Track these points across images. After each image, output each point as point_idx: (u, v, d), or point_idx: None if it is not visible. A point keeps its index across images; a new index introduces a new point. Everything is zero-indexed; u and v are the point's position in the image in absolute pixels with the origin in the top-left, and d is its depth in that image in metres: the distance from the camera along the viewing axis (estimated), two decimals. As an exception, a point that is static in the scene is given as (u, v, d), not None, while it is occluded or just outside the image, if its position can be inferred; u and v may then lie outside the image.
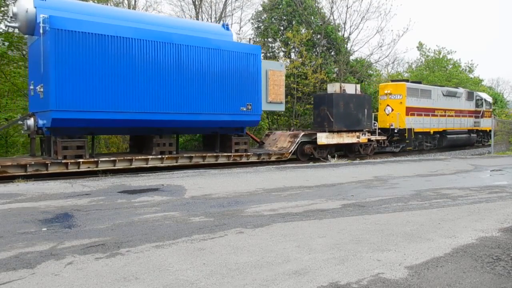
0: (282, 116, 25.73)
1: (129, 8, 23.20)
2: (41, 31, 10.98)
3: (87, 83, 11.35)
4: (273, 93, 15.94)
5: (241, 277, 3.67)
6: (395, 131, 20.63)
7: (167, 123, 13.03)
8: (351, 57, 29.97)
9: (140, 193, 8.07)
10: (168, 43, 12.79)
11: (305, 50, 25.03)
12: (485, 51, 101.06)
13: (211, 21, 26.16)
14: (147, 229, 5.30)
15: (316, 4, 28.92)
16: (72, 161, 11.48)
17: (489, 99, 28.78)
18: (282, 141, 16.78)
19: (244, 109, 14.56)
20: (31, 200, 7.30)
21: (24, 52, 20.07)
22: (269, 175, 10.75)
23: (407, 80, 22.98)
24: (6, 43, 18.28)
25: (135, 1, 23.77)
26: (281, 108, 16.89)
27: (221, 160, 14.52)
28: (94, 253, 4.32)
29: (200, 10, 26.21)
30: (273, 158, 15.71)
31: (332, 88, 18.17)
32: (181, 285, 3.49)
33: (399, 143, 21.27)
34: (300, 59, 24.87)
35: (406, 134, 20.60)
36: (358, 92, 18.65)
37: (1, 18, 18.79)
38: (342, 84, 18.36)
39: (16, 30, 13.94)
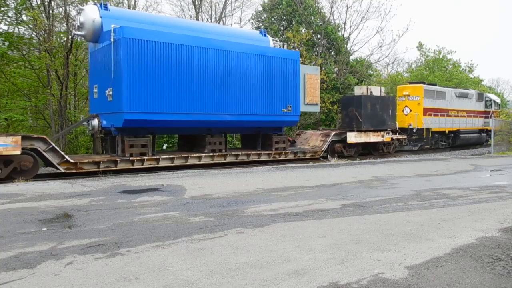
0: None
1: (129, 8, 23.19)
2: (112, 39, 12.04)
3: (151, 87, 12.44)
4: (309, 95, 17.03)
5: (241, 277, 3.67)
6: (414, 130, 21.78)
7: (217, 123, 14.20)
8: (351, 57, 29.98)
9: (140, 193, 8.07)
10: (220, 50, 13.91)
11: (305, 50, 25.03)
12: (485, 51, 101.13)
13: (211, 21, 26.16)
14: (147, 229, 5.30)
15: (316, 4, 28.93)
16: (138, 158, 12.57)
17: (498, 100, 30.08)
18: (314, 140, 17.89)
19: (285, 110, 15.63)
20: (31, 200, 7.29)
21: (24, 52, 20.07)
22: (269, 175, 10.75)
23: (423, 82, 24.36)
24: (6, 43, 18.26)
25: (135, 1, 23.76)
26: (317, 109, 18.20)
27: (263, 157, 15.61)
28: (94, 253, 4.32)
29: (200, 10, 26.22)
30: (307, 156, 16.75)
31: (360, 90, 19.41)
32: (181, 285, 3.49)
33: (417, 142, 22.36)
34: (300, 59, 24.86)
35: (424, 134, 21.89)
36: (383, 93, 19.91)
37: (1, 18, 18.77)
38: (368, 86, 19.72)
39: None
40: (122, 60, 11.93)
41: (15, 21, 19.46)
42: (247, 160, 15.16)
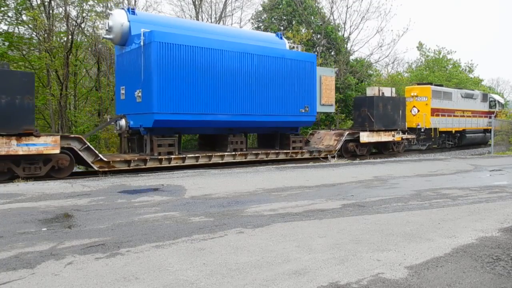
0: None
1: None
2: (141, 43, 12.65)
3: (179, 89, 13.01)
4: (325, 96, 17.60)
5: (241, 277, 3.67)
6: (422, 130, 22.26)
7: (239, 123, 14.86)
8: (351, 57, 29.97)
9: (140, 193, 8.07)
10: (244, 53, 14.54)
11: (305, 50, 25.01)
12: (485, 51, 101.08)
13: (211, 21, 26.16)
14: (147, 229, 5.30)
15: (316, 4, 28.92)
16: (166, 157, 13.08)
17: (502, 100, 30.90)
18: (327, 139, 18.43)
19: (303, 111, 16.24)
20: (31, 200, 7.29)
21: (24, 52, 20.07)
22: (269, 175, 10.75)
23: (431, 83, 24.83)
24: (6, 43, 18.26)
25: (135, 1, 23.75)
26: (332, 109, 18.85)
27: (281, 156, 16.14)
28: (94, 253, 4.32)
29: (200, 10, 26.21)
30: (322, 155, 17.25)
31: (371, 91, 19.98)
32: (181, 285, 3.49)
33: (425, 141, 22.93)
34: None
35: (432, 133, 22.46)
36: (394, 94, 20.56)
37: (1, 18, 18.77)
38: (380, 87, 20.35)
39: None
40: (152, 63, 12.50)
41: (15, 21, 19.47)
42: (266, 158, 15.74)
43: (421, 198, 7.59)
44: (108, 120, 15.41)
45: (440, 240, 4.80)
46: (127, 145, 14.80)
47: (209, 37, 14.01)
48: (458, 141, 25.19)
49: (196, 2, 25.96)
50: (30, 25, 19.40)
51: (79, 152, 11.54)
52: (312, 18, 28.00)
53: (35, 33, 19.86)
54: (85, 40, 21.63)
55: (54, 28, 19.91)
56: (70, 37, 19.83)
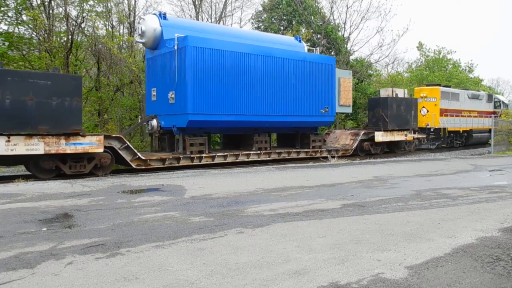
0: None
1: (129, 8, 23.23)
2: (175, 47, 13.37)
3: (211, 91, 13.79)
4: (343, 97, 18.42)
5: (241, 277, 3.67)
6: (431, 130, 23.29)
7: (264, 123, 15.65)
8: (351, 57, 29.99)
9: (140, 193, 8.07)
10: (269, 56, 15.35)
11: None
12: (485, 51, 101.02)
13: (211, 21, 26.15)
14: (147, 229, 5.30)
15: (316, 4, 28.93)
16: (197, 155, 13.85)
17: (506, 101, 32.03)
18: (343, 139, 19.22)
19: (323, 111, 17.07)
20: (31, 200, 7.29)
21: (24, 52, 20.07)
22: (269, 175, 10.75)
23: (439, 85, 25.82)
24: (6, 43, 18.26)
25: (135, 1, 23.77)
26: (349, 110, 19.72)
27: (302, 155, 16.84)
28: (94, 253, 4.32)
29: (200, 10, 26.21)
30: (340, 154, 17.95)
31: (385, 92, 20.79)
32: (181, 285, 3.49)
33: (435, 141, 23.99)
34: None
35: (442, 133, 23.55)
36: (406, 95, 21.45)
37: (1, 18, 18.77)
38: (393, 88, 21.17)
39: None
40: (187, 66, 13.25)
41: (15, 21, 19.46)
42: (288, 157, 16.46)
43: (421, 198, 7.59)
44: (139, 120, 16.14)
45: (440, 240, 4.80)
46: (157, 144, 15.47)
47: (234, 40, 14.72)
48: (466, 141, 26.12)
49: (196, 2, 25.97)
50: (30, 25, 19.40)
51: (119, 151, 12.14)
52: (312, 18, 28.01)
53: (35, 33, 19.86)
54: (85, 40, 21.62)
55: (54, 28, 19.91)
56: (70, 37, 19.83)
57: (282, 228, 5.38)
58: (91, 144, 11.30)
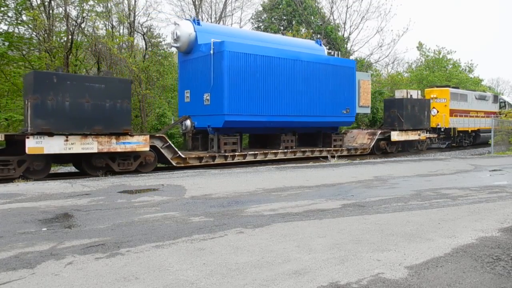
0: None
1: (129, 8, 23.23)
2: (211, 52, 14.16)
3: (244, 93, 14.59)
4: (363, 98, 19.18)
5: (241, 277, 3.67)
6: (442, 130, 24.22)
7: (290, 124, 16.45)
8: (351, 57, 29.97)
9: (140, 193, 8.07)
10: (297, 60, 16.14)
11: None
12: (485, 51, 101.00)
13: (211, 21, 26.15)
14: (147, 229, 5.30)
15: (316, 4, 28.93)
16: (231, 154, 14.63)
17: (511, 101, 32.98)
18: (361, 138, 20.14)
19: (345, 112, 17.89)
20: (31, 200, 7.29)
21: (24, 52, 20.06)
22: (269, 175, 10.75)
23: (448, 86, 26.66)
24: (6, 43, 18.26)
25: (135, 1, 23.77)
26: (368, 111, 20.58)
27: (324, 153, 17.53)
28: (94, 253, 4.32)
29: (200, 10, 26.22)
30: (358, 152, 18.92)
31: (400, 93, 21.61)
32: (181, 285, 3.49)
33: (445, 140, 24.96)
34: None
35: (452, 133, 24.58)
36: (419, 96, 22.27)
37: (1, 18, 18.76)
38: (408, 90, 22.00)
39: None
40: (223, 70, 14.02)
41: (15, 21, 19.45)
42: (311, 156, 17.32)
43: (421, 198, 7.59)
44: (173, 121, 17.23)
45: (440, 240, 4.80)
46: (191, 143, 16.23)
47: (261, 45, 15.50)
48: (474, 140, 27.16)
49: (196, 2, 25.98)
50: (30, 25, 19.40)
51: (161, 149, 12.95)
52: (312, 18, 28.02)
53: (35, 33, 19.86)
54: (85, 40, 21.62)
55: (54, 28, 19.91)
56: (70, 37, 19.82)
57: (282, 228, 5.38)
58: (138, 143, 12.07)
